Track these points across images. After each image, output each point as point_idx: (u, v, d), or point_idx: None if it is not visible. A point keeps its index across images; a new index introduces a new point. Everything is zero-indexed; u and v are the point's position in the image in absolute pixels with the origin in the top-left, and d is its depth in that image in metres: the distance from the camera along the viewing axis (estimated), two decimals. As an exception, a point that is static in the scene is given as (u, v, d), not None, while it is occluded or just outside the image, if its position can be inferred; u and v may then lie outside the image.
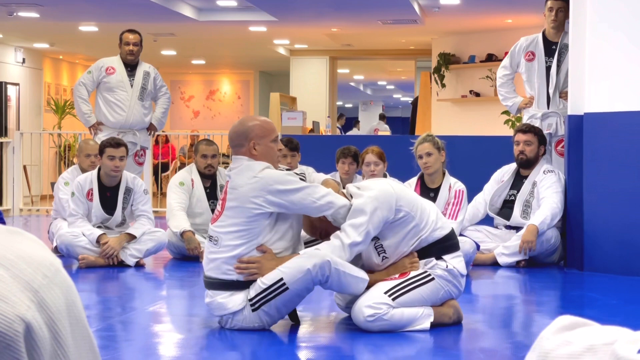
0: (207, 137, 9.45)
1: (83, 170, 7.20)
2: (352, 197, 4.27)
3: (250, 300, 4.15)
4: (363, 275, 4.20)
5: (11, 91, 15.81)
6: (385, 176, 7.02)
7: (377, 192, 4.22)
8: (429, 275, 4.26)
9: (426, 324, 4.23)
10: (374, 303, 4.14)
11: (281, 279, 4.09)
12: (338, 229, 4.24)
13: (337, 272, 4.08)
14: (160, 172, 14.56)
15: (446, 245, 4.31)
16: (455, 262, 4.32)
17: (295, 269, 4.08)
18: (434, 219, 4.30)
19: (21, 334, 0.86)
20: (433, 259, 4.28)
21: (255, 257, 4.16)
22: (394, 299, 4.17)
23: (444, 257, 4.30)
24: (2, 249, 0.90)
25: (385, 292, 4.18)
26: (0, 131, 13.93)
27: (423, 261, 4.29)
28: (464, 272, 4.38)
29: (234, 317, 4.19)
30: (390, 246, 4.26)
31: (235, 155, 4.34)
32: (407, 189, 4.49)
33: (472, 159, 8.96)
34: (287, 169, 4.64)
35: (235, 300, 4.17)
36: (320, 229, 4.32)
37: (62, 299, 0.92)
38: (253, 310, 4.15)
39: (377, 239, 4.25)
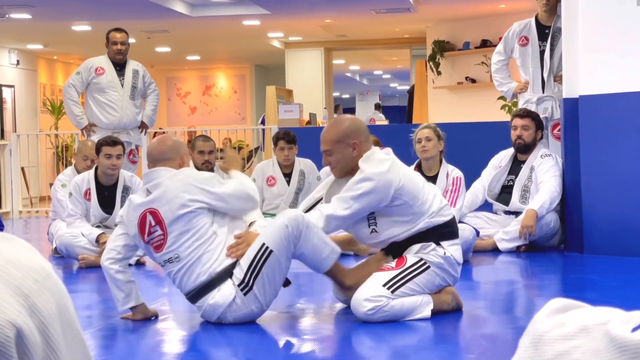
0: (204, 133, 9.44)
1: (79, 172, 7.18)
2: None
3: (240, 284, 4.14)
4: (334, 246, 4.17)
5: (6, 93, 15.80)
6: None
7: (379, 178, 4.16)
8: (425, 263, 4.25)
9: (427, 312, 4.23)
10: (372, 296, 4.14)
11: (263, 244, 4.08)
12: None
13: (308, 230, 4.05)
14: (159, 169, 14.54)
15: (445, 231, 4.30)
16: (452, 249, 4.31)
17: (272, 229, 4.10)
18: (436, 208, 4.27)
19: (12, 339, 0.86)
20: (432, 243, 4.27)
21: (239, 235, 4.17)
22: (392, 292, 4.17)
23: (442, 243, 4.29)
24: None
25: (384, 285, 4.17)
26: (-3, 134, 13.93)
27: (420, 245, 4.27)
28: (460, 260, 4.37)
29: (229, 309, 4.17)
30: (383, 223, 4.24)
31: (151, 169, 4.28)
32: (416, 177, 4.35)
33: (469, 146, 8.95)
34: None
35: (224, 293, 4.14)
36: None
37: (54, 303, 0.91)
38: (245, 294, 4.14)
39: (372, 212, 4.24)
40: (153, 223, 4.18)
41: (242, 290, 4.13)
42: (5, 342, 0.85)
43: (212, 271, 4.14)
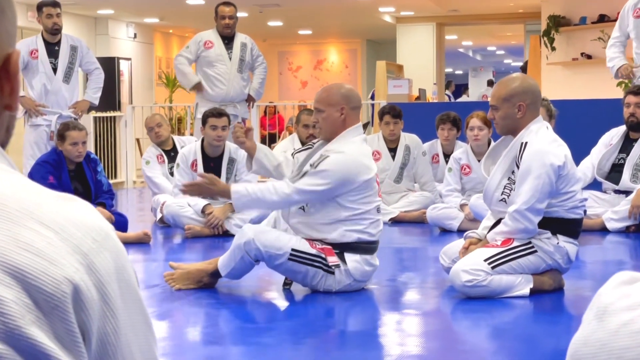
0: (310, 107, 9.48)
1: (158, 144, 7.61)
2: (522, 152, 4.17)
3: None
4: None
5: (124, 66, 16.21)
6: (489, 143, 6.92)
7: (545, 169, 4.11)
8: (532, 247, 4.17)
9: (526, 290, 4.15)
10: (471, 269, 4.09)
11: None
12: None
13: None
14: (269, 142, 14.72)
15: (568, 228, 4.22)
16: (567, 245, 4.22)
17: None
18: (576, 202, 4.21)
19: (69, 295, 0.88)
20: (548, 232, 4.19)
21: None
22: (493, 267, 4.11)
23: (559, 236, 4.20)
24: (52, 213, 0.92)
25: (485, 260, 4.12)
26: (114, 105, 14.32)
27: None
28: (573, 258, 4.28)
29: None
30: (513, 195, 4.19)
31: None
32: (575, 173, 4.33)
33: (583, 123, 8.73)
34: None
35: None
36: None
37: (112, 262, 0.93)
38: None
39: (513, 182, 4.19)
40: None
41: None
42: (62, 297, 0.88)
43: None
